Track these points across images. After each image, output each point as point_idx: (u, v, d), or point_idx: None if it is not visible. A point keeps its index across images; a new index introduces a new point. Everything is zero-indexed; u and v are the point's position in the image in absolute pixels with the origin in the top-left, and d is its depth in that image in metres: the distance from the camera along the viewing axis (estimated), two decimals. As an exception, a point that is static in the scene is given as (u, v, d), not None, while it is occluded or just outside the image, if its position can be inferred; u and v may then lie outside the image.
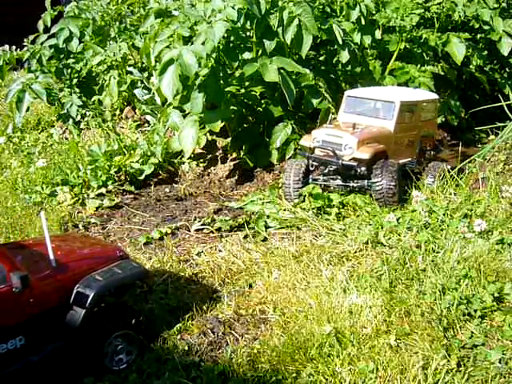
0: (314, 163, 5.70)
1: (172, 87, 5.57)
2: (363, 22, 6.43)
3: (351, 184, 5.59)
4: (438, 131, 7.37)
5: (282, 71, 5.74)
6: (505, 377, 3.19)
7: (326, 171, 5.68)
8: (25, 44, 7.87)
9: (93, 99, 7.46)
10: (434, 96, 6.37)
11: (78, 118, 7.59)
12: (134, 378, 3.39)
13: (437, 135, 6.58)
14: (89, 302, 3.33)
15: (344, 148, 5.45)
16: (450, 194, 5.29)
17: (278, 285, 4.17)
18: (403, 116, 5.79)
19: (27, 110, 7.57)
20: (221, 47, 5.92)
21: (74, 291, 3.38)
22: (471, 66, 7.28)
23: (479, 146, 7.13)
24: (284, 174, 5.82)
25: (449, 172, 5.71)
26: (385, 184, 5.35)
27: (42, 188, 5.83)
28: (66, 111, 7.68)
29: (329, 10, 6.87)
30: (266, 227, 5.10)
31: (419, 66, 6.72)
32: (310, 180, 5.67)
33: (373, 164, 5.48)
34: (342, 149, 5.45)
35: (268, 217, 5.23)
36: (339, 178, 5.64)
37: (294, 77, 5.92)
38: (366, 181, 5.51)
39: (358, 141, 5.40)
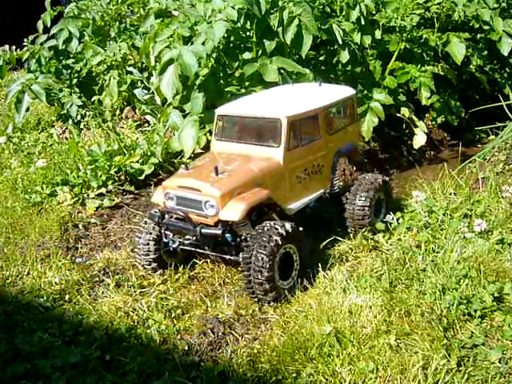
0: (167, 232, 4.20)
1: (172, 87, 5.57)
2: (363, 22, 6.43)
3: (227, 256, 4.11)
4: (439, 131, 7.38)
5: (282, 71, 5.75)
6: (505, 376, 3.19)
7: (186, 242, 4.15)
8: (25, 44, 7.88)
9: (93, 99, 7.46)
10: (348, 92, 4.89)
11: (78, 118, 7.59)
12: (134, 377, 3.39)
13: (362, 144, 5.32)
14: None
15: (205, 207, 3.92)
16: (450, 194, 5.29)
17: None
18: (298, 135, 4.28)
19: (27, 110, 7.56)
20: (221, 47, 5.92)
21: None
22: (471, 66, 7.28)
23: (479, 146, 7.13)
24: (137, 232, 4.48)
25: (386, 183, 4.90)
26: (254, 263, 3.77)
27: (42, 188, 5.82)
28: (65, 111, 7.68)
29: (329, 10, 6.86)
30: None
31: (419, 65, 6.71)
32: (169, 242, 4.23)
33: (259, 221, 4.01)
34: (202, 208, 3.94)
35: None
36: (207, 247, 4.17)
37: (294, 77, 5.92)
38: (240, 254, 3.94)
39: (222, 194, 3.86)
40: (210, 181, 3.95)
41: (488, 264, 4.00)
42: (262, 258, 3.74)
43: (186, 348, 3.62)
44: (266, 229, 3.87)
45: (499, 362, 3.25)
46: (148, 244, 4.28)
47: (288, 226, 3.91)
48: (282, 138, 4.17)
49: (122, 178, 6.18)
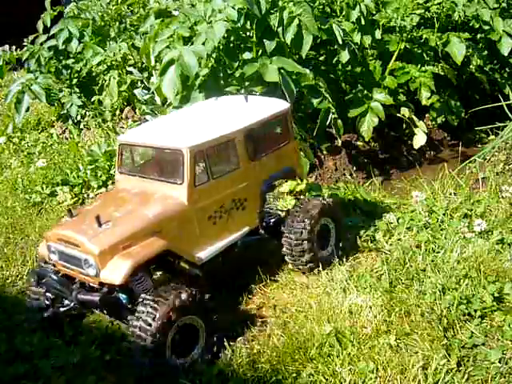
0: (48, 295, 3.54)
1: (173, 87, 5.56)
2: (363, 22, 6.42)
3: (126, 324, 3.38)
4: (439, 131, 7.36)
5: (282, 71, 5.73)
6: (505, 376, 3.19)
7: (61, 310, 3.56)
8: (25, 44, 7.88)
9: (93, 99, 7.46)
10: (280, 107, 4.18)
11: (78, 118, 7.59)
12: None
13: (301, 168, 4.48)
14: None
15: (85, 265, 3.28)
16: (450, 194, 5.29)
17: (278, 285, 4.18)
18: (208, 168, 3.61)
19: (27, 110, 7.57)
20: (221, 47, 5.91)
21: None
22: (471, 66, 7.28)
23: (479, 146, 7.12)
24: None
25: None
26: (140, 328, 3.12)
27: (42, 188, 5.83)
28: (65, 111, 7.69)
29: (329, 10, 6.86)
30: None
31: (419, 65, 6.71)
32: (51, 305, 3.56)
33: (167, 273, 3.56)
34: (83, 266, 3.30)
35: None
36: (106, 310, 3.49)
37: (294, 77, 5.91)
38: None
39: (102, 251, 3.22)
40: (89, 234, 3.28)
41: (488, 264, 4.00)
42: (149, 334, 3.10)
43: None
44: (153, 300, 3.17)
45: (499, 362, 3.25)
46: (39, 311, 3.62)
47: (184, 295, 3.22)
48: (184, 174, 3.47)
49: (122, 178, 6.18)
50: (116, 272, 3.18)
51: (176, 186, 3.53)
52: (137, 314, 3.17)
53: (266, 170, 4.01)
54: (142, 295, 3.26)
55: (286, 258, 4.19)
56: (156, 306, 3.14)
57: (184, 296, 3.22)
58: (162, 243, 3.36)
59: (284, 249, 4.13)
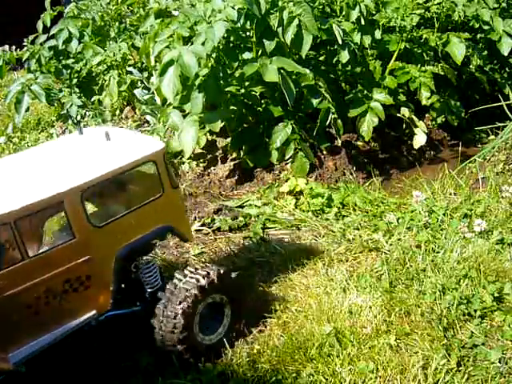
0: None
1: (172, 88, 5.57)
2: (363, 22, 6.42)
3: None
4: (439, 131, 7.36)
5: (282, 71, 5.74)
6: (505, 376, 3.19)
7: None
8: (25, 44, 7.88)
9: (93, 99, 7.46)
10: (149, 149, 3.18)
11: (78, 118, 7.58)
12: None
13: (185, 224, 3.63)
14: None
15: None
16: (450, 194, 5.30)
17: (277, 285, 4.17)
18: (20, 243, 2.73)
19: (27, 110, 7.55)
20: (221, 47, 5.92)
21: None
22: (471, 66, 7.27)
23: (479, 146, 7.11)
24: None
25: None
26: None
27: (42, 188, 5.83)
28: (65, 111, 7.68)
29: (329, 10, 6.86)
30: (265, 228, 5.09)
31: (419, 65, 6.71)
32: None
33: None
34: None
35: (268, 219, 5.21)
36: None
37: (293, 77, 5.91)
38: None
39: None
40: None
41: (488, 264, 4.00)
42: None
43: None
44: None
45: (499, 362, 3.25)
46: None
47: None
48: None
49: (122, 177, 6.17)
50: None
51: None
52: None
53: (122, 236, 3.07)
54: None
55: (155, 339, 3.32)
56: None
57: None
58: None
59: (155, 335, 3.29)
